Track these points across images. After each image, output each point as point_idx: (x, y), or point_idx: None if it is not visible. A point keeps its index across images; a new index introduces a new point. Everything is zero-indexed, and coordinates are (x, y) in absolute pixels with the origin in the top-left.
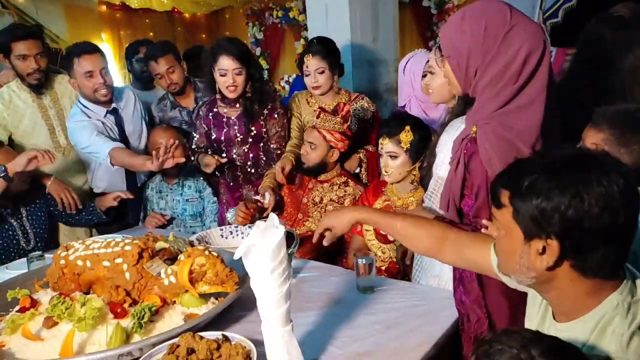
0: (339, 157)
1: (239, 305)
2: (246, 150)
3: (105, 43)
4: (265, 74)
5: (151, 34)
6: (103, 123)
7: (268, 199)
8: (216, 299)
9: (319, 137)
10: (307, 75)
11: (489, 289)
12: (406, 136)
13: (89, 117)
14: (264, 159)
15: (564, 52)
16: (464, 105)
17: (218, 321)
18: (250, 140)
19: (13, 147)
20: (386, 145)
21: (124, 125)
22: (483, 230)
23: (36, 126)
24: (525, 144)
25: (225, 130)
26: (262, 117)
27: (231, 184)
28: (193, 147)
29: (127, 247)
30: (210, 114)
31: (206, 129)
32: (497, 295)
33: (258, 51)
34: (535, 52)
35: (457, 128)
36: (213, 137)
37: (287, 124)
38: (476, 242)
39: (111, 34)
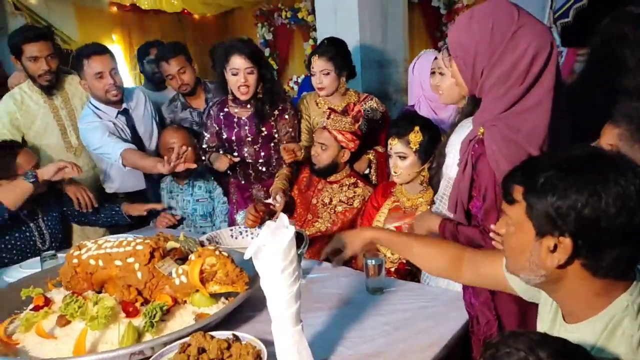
0: (349, 158)
1: (249, 305)
2: (257, 149)
3: (116, 44)
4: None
5: (160, 35)
6: (114, 124)
7: (279, 201)
8: (226, 298)
9: (330, 138)
10: (313, 76)
11: (498, 291)
12: (415, 137)
13: (101, 118)
14: (275, 157)
15: (574, 52)
16: (473, 105)
17: (228, 321)
18: (261, 140)
19: None
20: (395, 145)
21: (136, 126)
22: (491, 234)
23: (48, 127)
24: (533, 145)
25: (236, 130)
26: (272, 118)
27: (243, 182)
28: (204, 146)
29: (139, 247)
30: (221, 113)
31: (217, 128)
32: (506, 298)
33: (267, 52)
34: (542, 53)
35: (467, 128)
36: (224, 137)
37: (297, 125)
38: (490, 257)
39: (122, 34)
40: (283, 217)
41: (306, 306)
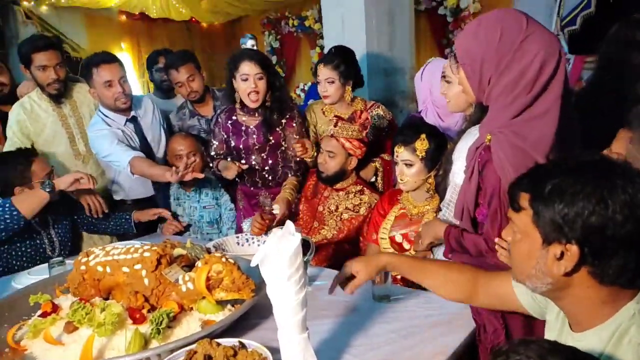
0: (355, 165)
1: (255, 313)
2: (264, 157)
3: (125, 52)
4: None
5: (168, 43)
6: (123, 131)
7: (277, 210)
8: (233, 305)
9: (337, 146)
10: (318, 84)
11: None
12: (421, 144)
13: (110, 125)
14: (282, 165)
15: (582, 59)
16: (480, 112)
17: (235, 328)
18: (268, 148)
19: None
20: (401, 153)
21: (144, 133)
22: (496, 246)
23: (57, 135)
24: (540, 153)
25: (243, 138)
26: (280, 127)
27: (251, 188)
28: (212, 153)
29: (146, 254)
30: (229, 121)
31: (225, 136)
32: None
33: (274, 60)
34: (550, 62)
35: (473, 135)
36: (232, 145)
37: (305, 132)
38: (502, 276)
39: (131, 43)
40: (289, 225)
41: (312, 313)
